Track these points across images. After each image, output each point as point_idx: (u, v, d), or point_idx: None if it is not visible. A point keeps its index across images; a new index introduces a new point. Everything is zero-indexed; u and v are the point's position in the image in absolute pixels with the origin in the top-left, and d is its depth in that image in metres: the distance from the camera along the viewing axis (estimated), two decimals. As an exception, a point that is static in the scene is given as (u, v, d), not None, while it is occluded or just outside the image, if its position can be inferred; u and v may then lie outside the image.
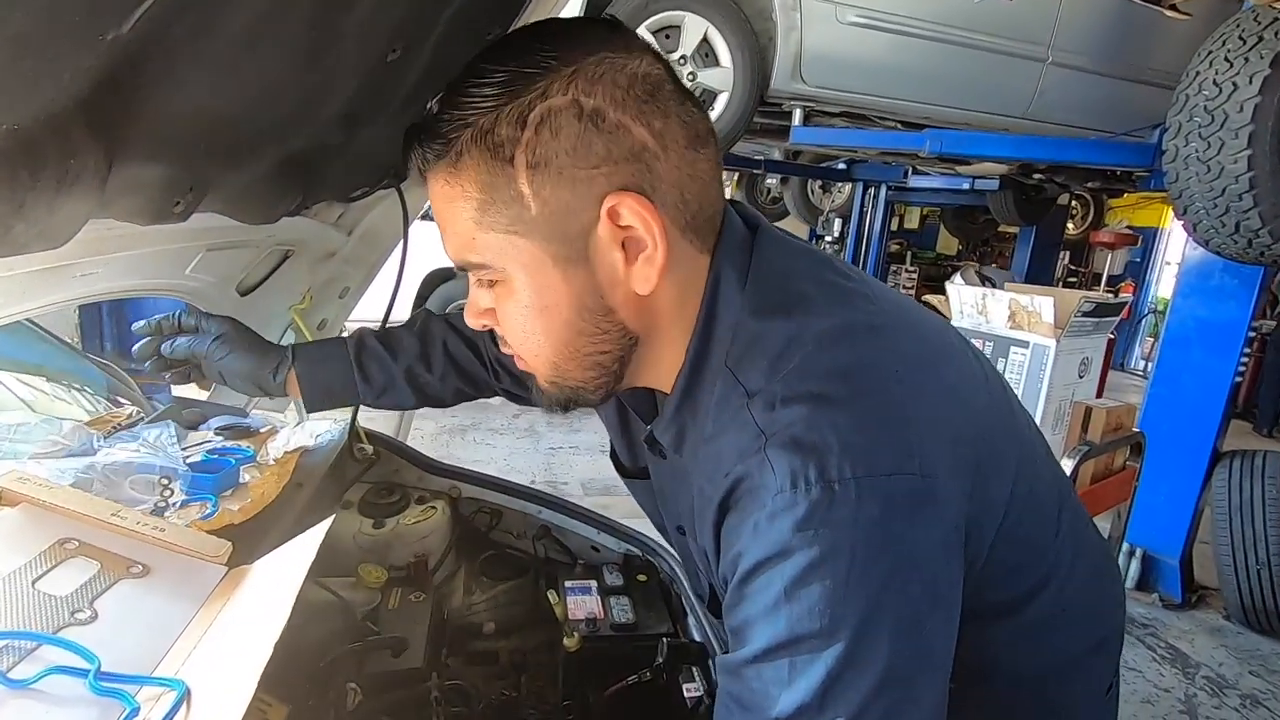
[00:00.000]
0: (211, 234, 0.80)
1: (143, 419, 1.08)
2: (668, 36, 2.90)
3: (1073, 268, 8.77)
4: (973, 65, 3.05)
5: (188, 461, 0.93)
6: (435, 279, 5.85)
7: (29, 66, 0.34)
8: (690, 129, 0.54)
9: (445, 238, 0.56)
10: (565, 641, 0.99)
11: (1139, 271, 8.88)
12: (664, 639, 1.00)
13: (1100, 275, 7.31)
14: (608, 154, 0.51)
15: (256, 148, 0.67)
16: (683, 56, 2.90)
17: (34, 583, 0.59)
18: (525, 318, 0.57)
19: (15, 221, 0.38)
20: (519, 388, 0.94)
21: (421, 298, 5.92)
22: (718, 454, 0.54)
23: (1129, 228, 8.25)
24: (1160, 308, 7.48)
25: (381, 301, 1.23)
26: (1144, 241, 8.48)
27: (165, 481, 0.82)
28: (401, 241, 1.21)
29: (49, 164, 0.38)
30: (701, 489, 0.56)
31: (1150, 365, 7.16)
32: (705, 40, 2.89)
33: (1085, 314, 2.09)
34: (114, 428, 0.95)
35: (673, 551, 1.22)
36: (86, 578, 0.61)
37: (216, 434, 1.08)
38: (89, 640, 0.55)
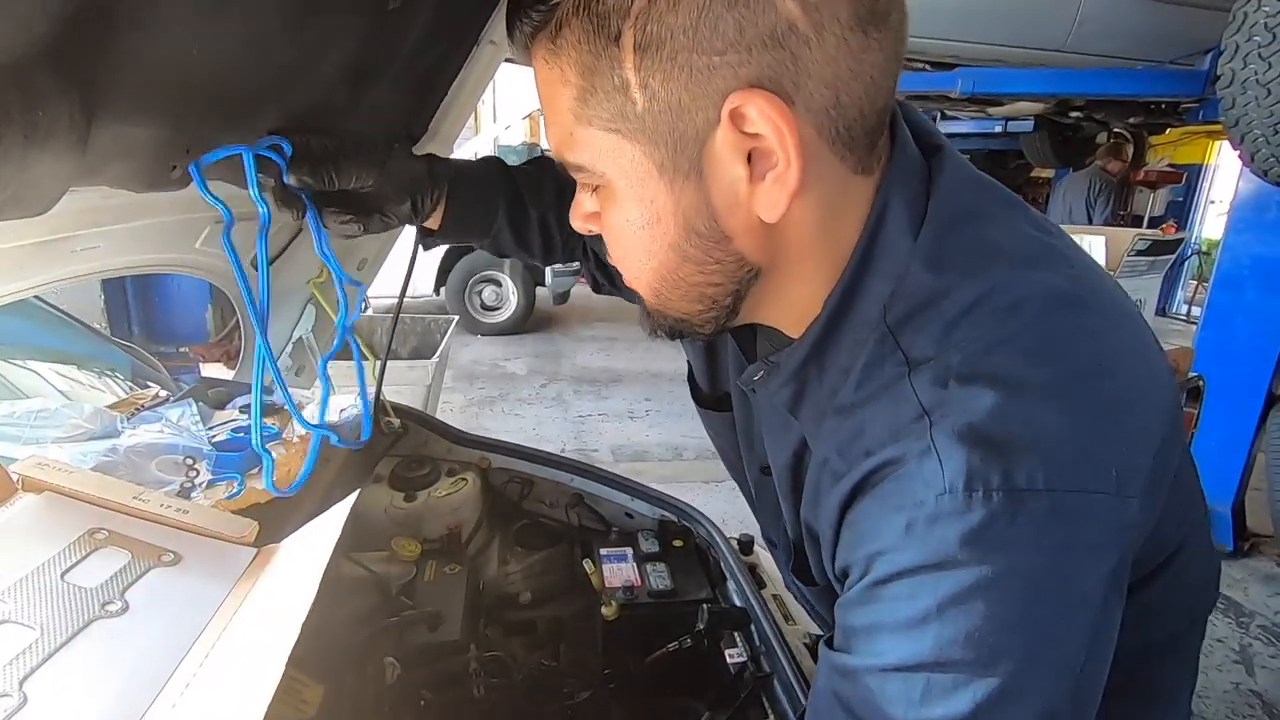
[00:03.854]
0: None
1: (167, 399, 1.07)
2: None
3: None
4: (1006, -3, 2.88)
5: (214, 441, 0.91)
6: (456, 251, 5.83)
7: (-27, 1, 0.30)
8: (861, 3, 0.41)
9: (547, 127, 0.48)
10: (603, 610, 0.97)
11: (1181, 212, 8.50)
12: (704, 605, 0.98)
13: (1141, 217, 7.01)
14: (739, 35, 0.39)
15: (255, 107, 0.63)
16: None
17: (63, 575, 0.58)
18: (626, 232, 0.48)
19: (-18, 183, 0.34)
20: (607, 281, 0.89)
21: (444, 270, 5.91)
22: (859, 427, 0.45)
23: (1170, 165, 7.87)
24: (1205, 249, 7.16)
25: (397, 275, 1.20)
26: (1186, 180, 8.09)
27: (190, 462, 0.81)
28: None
29: (13, 116, 0.34)
30: (827, 461, 0.48)
31: (1194, 309, 6.91)
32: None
33: (1139, 253, 1.97)
34: (136, 409, 0.94)
35: (706, 514, 1.19)
36: (116, 568, 0.59)
37: (241, 412, 1.06)
38: (119, 631, 0.53)
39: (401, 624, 0.90)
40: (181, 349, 2.46)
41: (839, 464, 0.46)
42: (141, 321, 3.06)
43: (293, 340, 1.31)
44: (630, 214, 0.47)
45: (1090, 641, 0.42)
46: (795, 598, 0.83)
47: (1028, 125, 4.78)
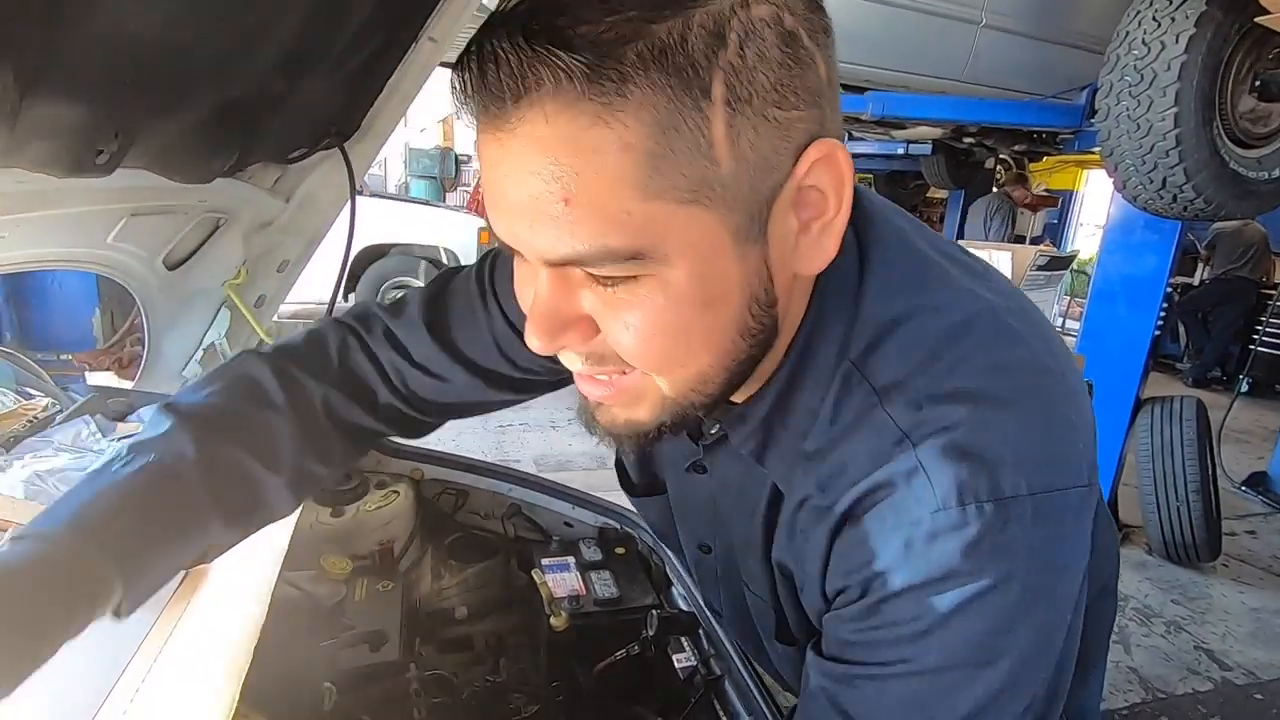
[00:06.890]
0: (136, 194, 0.71)
1: (59, 410, 0.97)
2: None
3: (998, 230, 9.12)
4: (911, 27, 3.07)
5: (121, 455, 0.83)
6: (367, 257, 5.60)
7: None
8: (834, 67, 0.42)
9: (551, 218, 0.37)
10: (553, 621, 0.95)
11: (1055, 232, 9.32)
12: (653, 611, 0.98)
13: (1024, 237, 7.63)
14: (806, 90, 0.39)
15: (190, 90, 0.59)
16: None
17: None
18: (678, 319, 0.40)
19: (-96, 157, 0.30)
20: (431, 420, 0.75)
21: (354, 277, 5.66)
22: (840, 461, 0.45)
23: (1046, 190, 8.63)
24: (1077, 266, 7.88)
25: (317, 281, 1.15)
26: (1060, 203, 8.89)
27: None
28: (347, 207, 1.12)
29: (-56, 85, 0.30)
30: (805, 501, 0.49)
31: (1067, 322, 7.57)
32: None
33: (1040, 268, 2.17)
34: (29, 422, 0.85)
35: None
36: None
37: (150, 424, 0.97)
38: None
39: (339, 645, 0.84)
40: (64, 356, 2.21)
41: (821, 500, 0.46)
42: (16, 326, 2.72)
43: (204, 346, 1.22)
44: (692, 293, 0.40)
45: (1068, 633, 0.45)
46: (755, 661, 0.83)
47: (926, 149, 5.10)
